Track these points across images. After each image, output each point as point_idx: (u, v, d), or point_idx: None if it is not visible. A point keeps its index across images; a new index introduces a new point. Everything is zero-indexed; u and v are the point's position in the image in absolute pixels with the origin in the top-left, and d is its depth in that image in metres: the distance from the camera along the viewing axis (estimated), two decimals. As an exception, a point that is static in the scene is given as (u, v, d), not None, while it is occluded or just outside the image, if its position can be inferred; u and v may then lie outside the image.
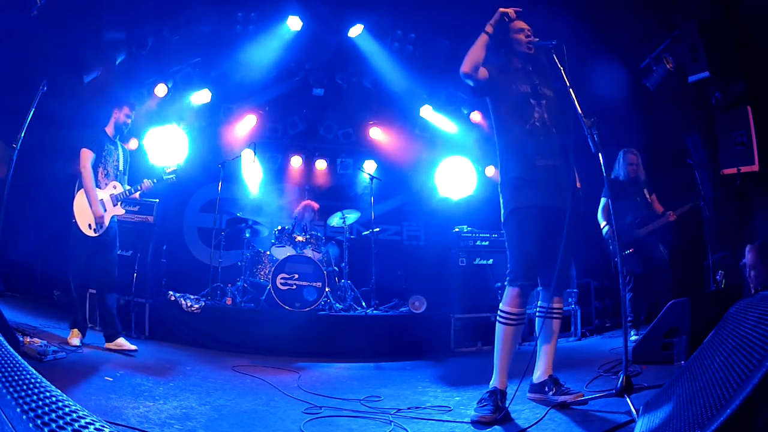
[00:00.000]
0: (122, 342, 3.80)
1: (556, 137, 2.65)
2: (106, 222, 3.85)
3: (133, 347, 3.79)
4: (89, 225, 3.79)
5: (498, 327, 2.59)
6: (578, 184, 2.71)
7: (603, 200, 4.71)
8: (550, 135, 2.64)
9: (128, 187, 4.03)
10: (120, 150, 4.08)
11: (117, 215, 4.00)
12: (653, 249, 4.71)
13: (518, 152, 2.66)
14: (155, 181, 4.09)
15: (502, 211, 2.71)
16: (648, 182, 4.74)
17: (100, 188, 3.87)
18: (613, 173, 4.76)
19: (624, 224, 4.69)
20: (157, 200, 4.99)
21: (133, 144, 6.22)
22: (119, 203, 3.98)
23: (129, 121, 4.06)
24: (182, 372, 3.43)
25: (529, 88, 2.68)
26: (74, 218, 3.79)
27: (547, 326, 2.68)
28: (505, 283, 2.63)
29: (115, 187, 3.97)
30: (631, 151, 4.70)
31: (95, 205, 3.78)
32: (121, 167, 4.07)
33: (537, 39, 2.69)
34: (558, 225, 2.55)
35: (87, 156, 3.79)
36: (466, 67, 2.63)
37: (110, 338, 3.80)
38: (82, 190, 3.82)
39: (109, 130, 4.01)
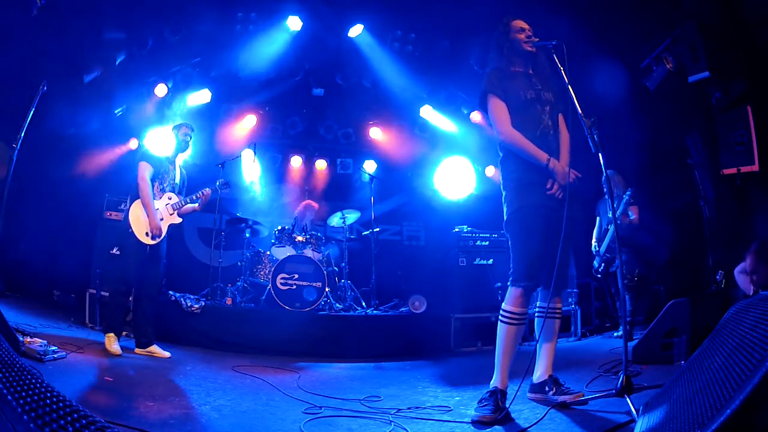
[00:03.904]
0: (155, 349, 3.86)
1: (557, 141, 2.67)
2: (164, 230, 3.98)
3: (167, 354, 3.85)
4: (146, 233, 3.89)
5: (500, 326, 2.58)
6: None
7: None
8: (554, 139, 2.66)
9: (187, 198, 4.18)
10: (177, 168, 4.24)
11: (174, 223, 4.12)
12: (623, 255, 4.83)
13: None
14: (211, 190, 4.30)
15: (506, 210, 2.69)
16: (619, 196, 4.82)
17: (156, 199, 3.98)
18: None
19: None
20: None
21: (133, 144, 6.22)
22: (175, 212, 4.11)
23: (189, 138, 4.24)
24: (182, 372, 3.43)
25: (533, 94, 2.68)
26: (130, 228, 3.85)
27: (547, 326, 2.68)
28: (508, 283, 2.62)
29: (170, 198, 4.11)
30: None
31: (152, 218, 3.88)
32: (177, 181, 4.21)
33: (537, 39, 2.69)
34: (559, 227, 2.54)
35: (145, 168, 3.94)
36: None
37: (144, 345, 3.86)
38: (137, 201, 3.92)
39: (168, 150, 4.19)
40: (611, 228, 4.81)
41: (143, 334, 3.87)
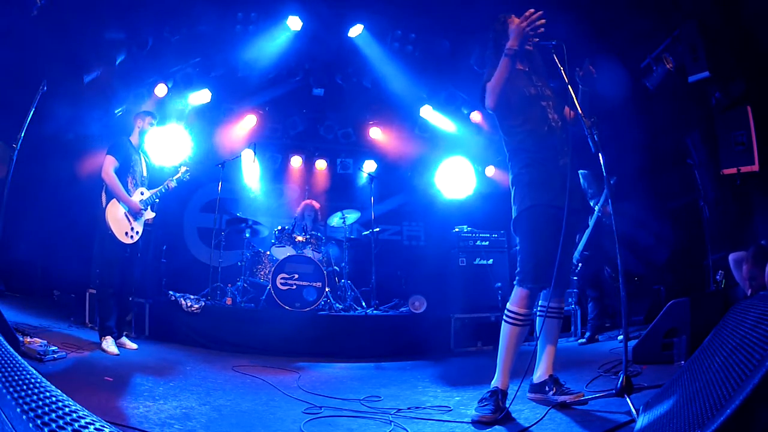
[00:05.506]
0: (125, 341, 3.96)
1: (564, 136, 2.63)
2: (140, 228, 3.99)
3: (134, 346, 3.97)
4: (126, 233, 3.89)
5: (504, 327, 2.55)
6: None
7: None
8: (561, 134, 2.62)
9: (155, 190, 4.15)
10: (143, 158, 4.19)
11: (147, 219, 4.12)
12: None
13: (538, 153, 2.59)
14: (174, 179, 4.25)
15: (515, 208, 2.63)
16: (595, 194, 4.84)
17: (129, 195, 3.96)
18: None
19: None
20: (157, 200, 5.00)
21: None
22: (149, 207, 4.10)
23: (153, 128, 4.19)
24: (182, 372, 3.44)
25: (534, 90, 2.65)
26: (110, 230, 3.82)
27: (548, 326, 2.67)
28: (514, 282, 2.59)
29: (142, 193, 4.08)
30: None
31: (129, 202, 3.89)
32: (144, 174, 4.18)
33: (537, 39, 2.67)
34: (567, 226, 2.50)
35: (110, 162, 3.88)
36: (492, 103, 2.60)
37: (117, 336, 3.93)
38: (113, 201, 3.88)
39: (134, 139, 4.13)
40: (590, 224, 4.72)
41: (123, 325, 4.03)
